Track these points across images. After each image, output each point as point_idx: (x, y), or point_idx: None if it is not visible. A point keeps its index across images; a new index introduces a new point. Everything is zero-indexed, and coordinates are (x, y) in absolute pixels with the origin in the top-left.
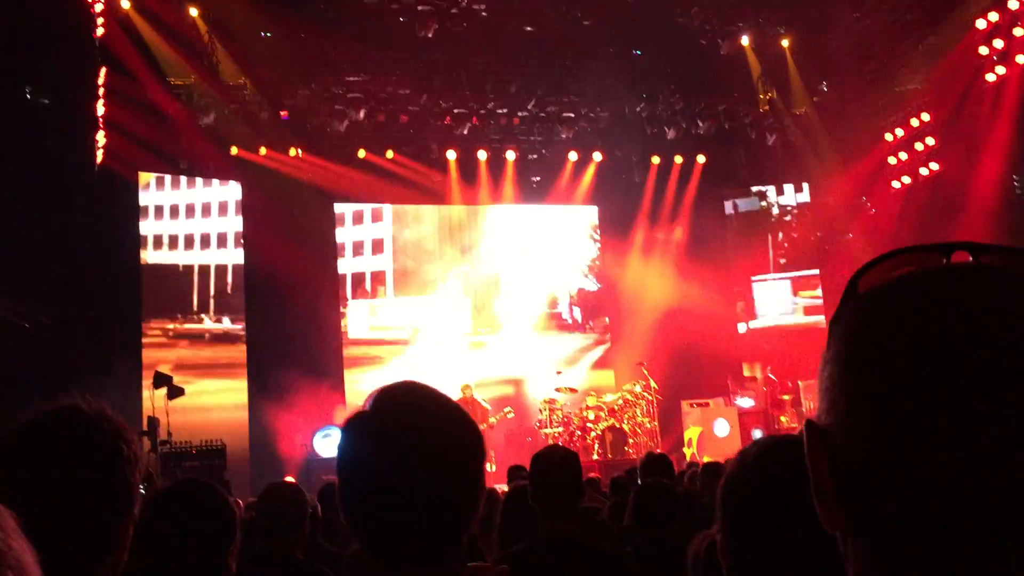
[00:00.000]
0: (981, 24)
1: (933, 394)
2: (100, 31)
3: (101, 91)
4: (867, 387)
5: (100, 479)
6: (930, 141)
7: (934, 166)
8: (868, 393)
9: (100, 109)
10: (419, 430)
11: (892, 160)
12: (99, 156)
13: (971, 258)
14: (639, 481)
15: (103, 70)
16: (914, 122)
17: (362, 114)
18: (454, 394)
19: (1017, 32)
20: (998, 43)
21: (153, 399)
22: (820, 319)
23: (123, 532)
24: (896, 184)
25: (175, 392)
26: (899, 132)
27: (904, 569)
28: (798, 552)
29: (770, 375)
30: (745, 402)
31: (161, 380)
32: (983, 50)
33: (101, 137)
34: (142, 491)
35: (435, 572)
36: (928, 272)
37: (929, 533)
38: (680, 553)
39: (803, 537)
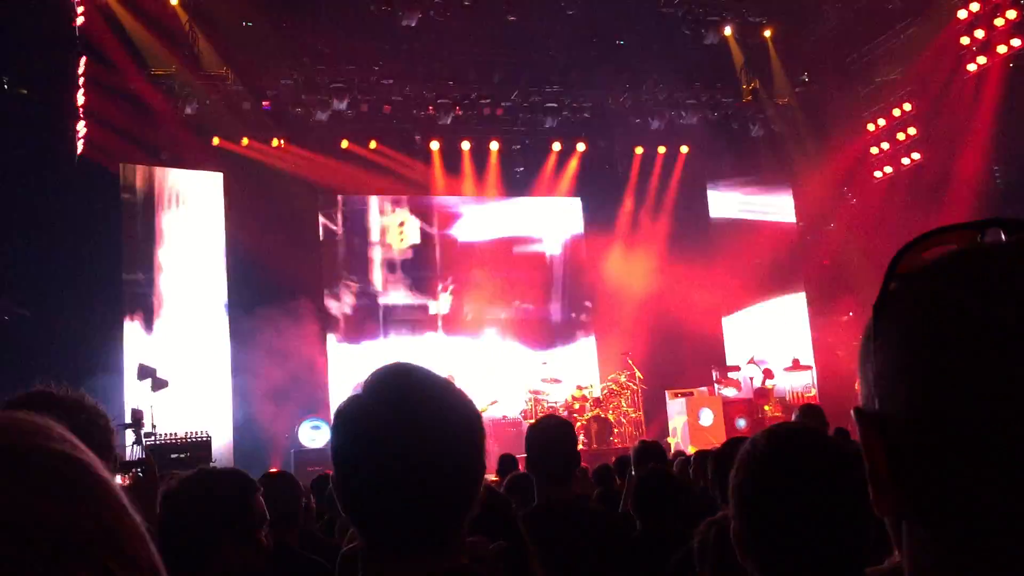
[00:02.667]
0: (962, 14)
1: (1012, 376)
2: (80, 20)
3: (81, 81)
4: (937, 372)
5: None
6: (912, 131)
7: (916, 156)
8: (940, 378)
9: (80, 99)
10: (415, 414)
11: (874, 150)
12: (79, 146)
13: (1004, 235)
14: (633, 470)
15: (83, 60)
16: (896, 112)
17: (345, 104)
18: None
19: (998, 22)
20: (979, 33)
21: (137, 391)
22: (802, 307)
23: None
24: (878, 174)
25: (159, 384)
26: (881, 122)
27: (977, 558)
28: (815, 534)
29: (754, 364)
30: (729, 391)
31: (145, 372)
32: (964, 40)
33: (81, 127)
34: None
35: (437, 560)
36: (978, 250)
37: (1008, 522)
38: (677, 541)
39: (820, 519)
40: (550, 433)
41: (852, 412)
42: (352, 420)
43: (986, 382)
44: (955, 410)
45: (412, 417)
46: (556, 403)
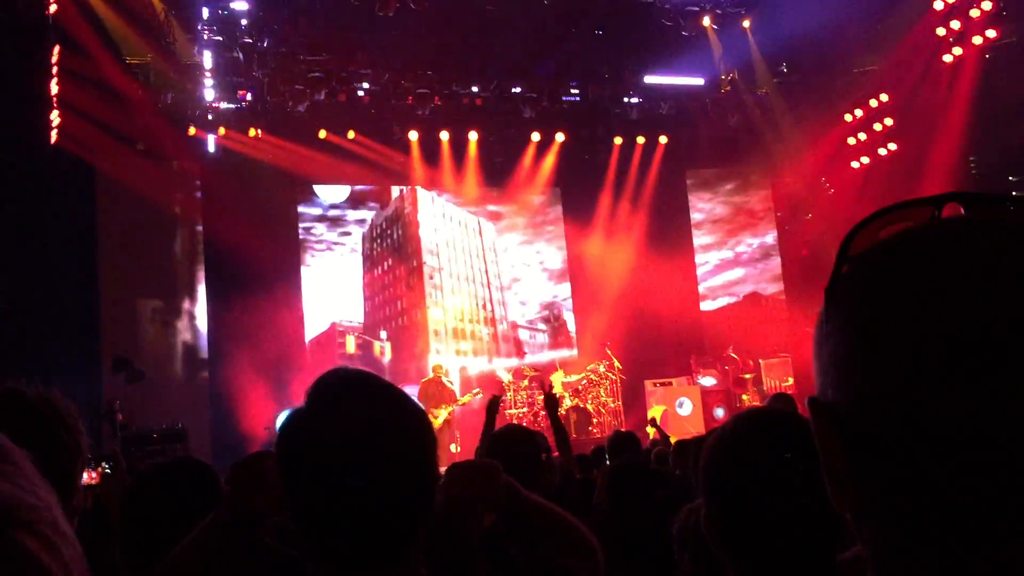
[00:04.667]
0: (939, 5)
1: (970, 361)
2: (53, 8)
3: (54, 70)
4: (889, 358)
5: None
6: (888, 122)
7: (892, 147)
8: (891, 365)
9: (54, 88)
10: (359, 424)
11: (851, 140)
12: (53, 136)
13: (963, 210)
14: (607, 459)
15: (56, 48)
16: (873, 103)
17: (323, 94)
18: (426, 374)
19: (974, 13)
20: (955, 24)
21: (113, 383)
22: (781, 297)
23: None
24: (855, 164)
25: (135, 376)
26: (858, 113)
27: (933, 555)
28: (785, 518)
29: (732, 354)
30: (708, 381)
31: (120, 364)
32: (940, 31)
33: (55, 117)
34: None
35: (391, 574)
36: (933, 228)
37: (971, 517)
38: (654, 531)
39: (790, 503)
40: (508, 440)
41: (806, 402)
42: (294, 435)
43: (938, 370)
44: (906, 400)
45: (355, 430)
46: (536, 393)
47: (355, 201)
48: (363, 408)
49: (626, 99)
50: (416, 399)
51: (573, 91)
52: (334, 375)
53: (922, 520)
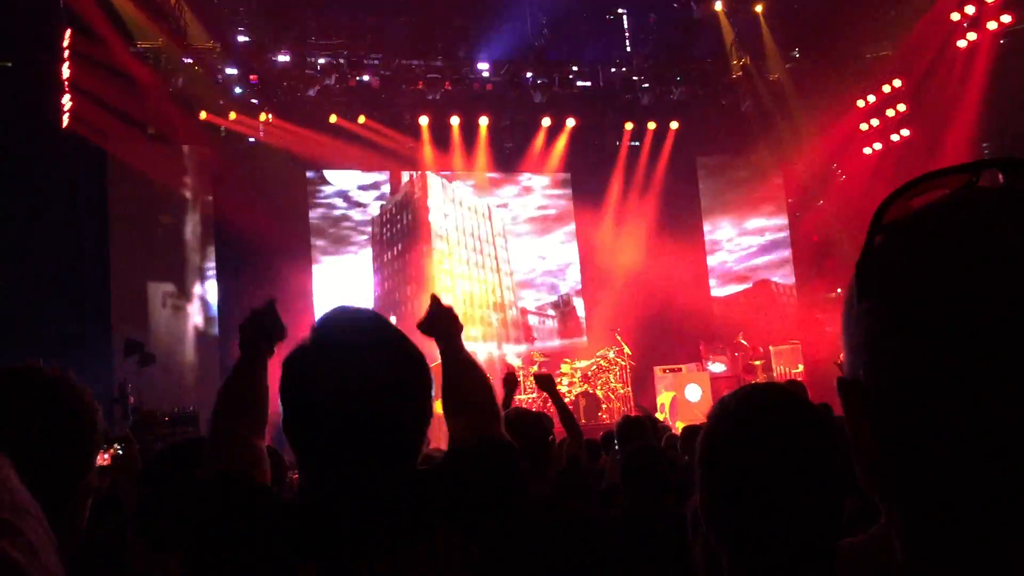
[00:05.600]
0: None
1: (1011, 340)
2: None
3: (66, 54)
4: (930, 336)
5: (48, 441)
6: (901, 108)
7: (905, 132)
8: (932, 343)
9: (65, 72)
10: (359, 358)
11: (864, 127)
12: (64, 120)
13: (1002, 178)
14: (615, 444)
15: (68, 32)
16: (885, 88)
17: (333, 79)
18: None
19: None
20: (969, 9)
21: (124, 367)
22: (791, 284)
23: (73, 498)
24: (868, 151)
25: (147, 359)
26: (871, 98)
27: (966, 540)
28: (781, 505)
29: (742, 341)
30: (717, 367)
31: (132, 347)
32: (954, 16)
33: (67, 101)
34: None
35: (387, 496)
36: (974, 196)
37: (1010, 504)
38: (667, 515)
39: (787, 489)
40: (521, 424)
41: (836, 383)
42: (300, 367)
43: (982, 347)
44: (948, 381)
45: (356, 365)
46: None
47: (365, 186)
48: (363, 342)
49: (637, 84)
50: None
51: (584, 77)
52: (338, 312)
53: (958, 505)
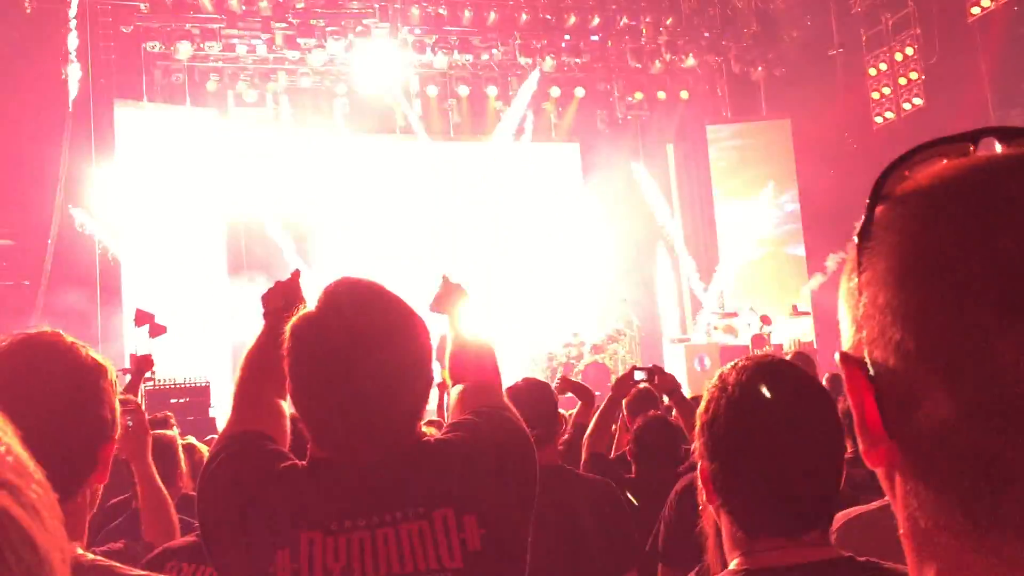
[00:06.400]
0: None
1: (1013, 309)
2: None
3: (74, 24)
4: (934, 306)
5: (64, 407)
6: (914, 76)
7: (918, 101)
8: (936, 313)
9: (73, 41)
10: (361, 326)
11: (875, 95)
12: (73, 87)
13: (999, 145)
14: (625, 416)
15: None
16: (898, 57)
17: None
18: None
19: None
20: None
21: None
22: (801, 254)
23: (89, 465)
24: (879, 119)
25: (157, 330)
26: (883, 67)
27: (969, 516)
28: (786, 470)
29: (752, 310)
30: (727, 339)
31: (143, 318)
32: None
33: (75, 70)
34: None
35: (388, 457)
36: (975, 164)
37: (1016, 479)
38: (671, 485)
39: (792, 453)
40: (528, 394)
41: (836, 356)
42: (305, 334)
43: (982, 317)
44: (954, 352)
45: (359, 330)
46: (553, 350)
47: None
48: (366, 309)
49: (646, 53)
50: (436, 353)
51: (593, 45)
52: (343, 282)
53: (961, 480)
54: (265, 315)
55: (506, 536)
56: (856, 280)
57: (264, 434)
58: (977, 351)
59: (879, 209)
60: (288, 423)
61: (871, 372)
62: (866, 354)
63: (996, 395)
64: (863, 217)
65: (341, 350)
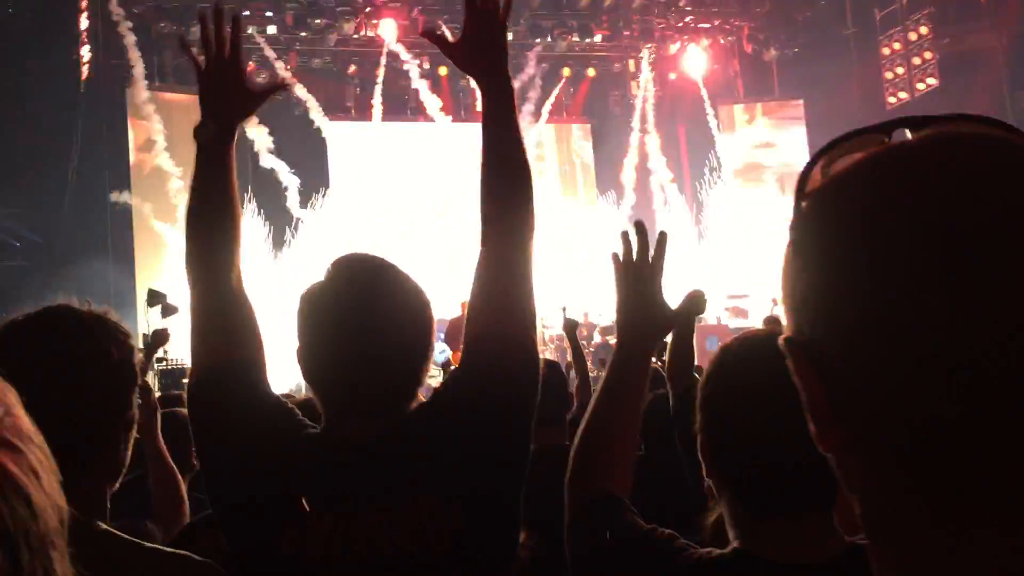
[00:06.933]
0: None
1: (922, 286)
2: None
3: (84, 4)
4: (853, 290)
5: (81, 379)
6: (928, 56)
7: (932, 81)
8: (856, 297)
9: (84, 23)
10: (370, 297)
11: (889, 75)
12: (84, 71)
13: (910, 134)
14: None
15: None
16: (912, 36)
17: (353, 27)
18: (456, 311)
19: None
20: None
21: (149, 316)
22: None
23: (109, 436)
24: (892, 100)
25: (169, 310)
26: (897, 46)
27: (920, 497)
28: (785, 447)
29: (760, 294)
30: (736, 322)
31: (155, 298)
32: None
33: (86, 52)
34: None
35: (388, 420)
36: (888, 153)
37: (959, 453)
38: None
39: (791, 432)
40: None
41: (781, 343)
42: (315, 301)
43: (896, 295)
44: (882, 329)
45: (367, 299)
46: (560, 334)
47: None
48: (375, 285)
49: (660, 33)
50: (444, 337)
51: (606, 25)
52: (355, 256)
53: (908, 459)
54: (202, 147)
55: (493, 517)
56: (791, 267)
57: (246, 366)
58: (910, 309)
59: (804, 204)
60: (251, 307)
61: (815, 355)
62: (808, 337)
63: (935, 352)
64: (792, 210)
65: (349, 317)
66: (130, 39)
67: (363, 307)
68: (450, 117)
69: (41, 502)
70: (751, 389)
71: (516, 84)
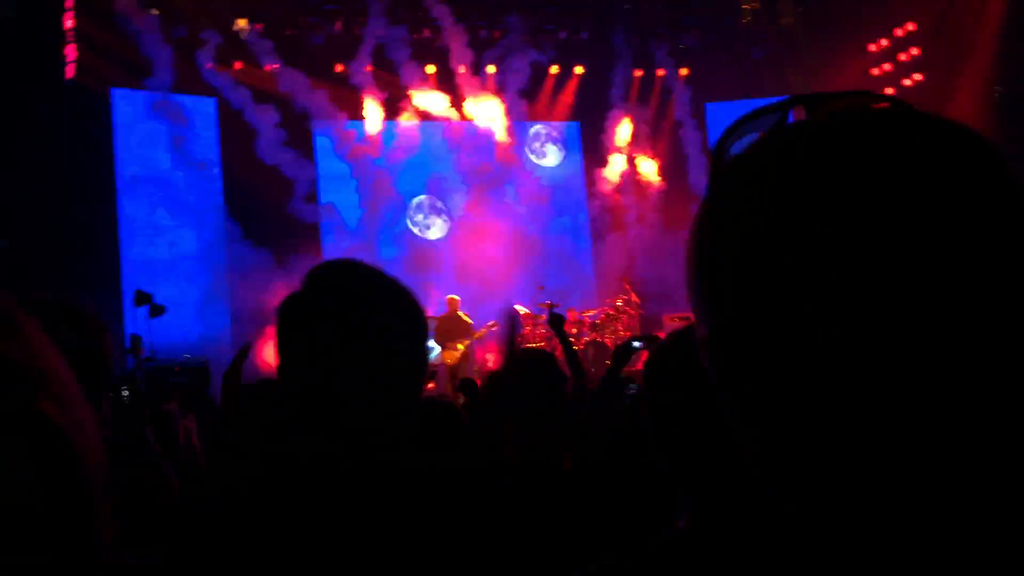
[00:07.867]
0: None
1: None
2: None
3: (69, 3)
4: (746, 280)
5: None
6: (914, 51)
7: (918, 77)
8: (750, 286)
9: (68, 22)
10: (355, 309)
11: (875, 71)
12: (69, 71)
13: (806, 113)
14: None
15: None
16: (898, 32)
17: (339, 27)
18: (443, 309)
19: None
20: None
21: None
22: None
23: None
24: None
25: (156, 310)
26: (883, 42)
27: (819, 490)
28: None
29: None
30: None
31: (142, 298)
32: None
33: (71, 51)
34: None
35: (377, 443)
36: (780, 134)
37: (855, 445)
38: None
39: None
40: (531, 365)
41: (697, 339)
42: (291, 313)
43: (785, 283)
44: (763, 322)
45: (349, 312)
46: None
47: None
48: (359, 287)
49: (646, 31)
50: (432, 334)
51: (593, 23)
52: (336, 263)
53: (805, 450)
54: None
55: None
56: (690, 266)
57: None
58: (790, 319)
59: (713, 188)
60: None
61: (711, 352)
62: (706, 335)
63: (816, 365)
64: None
65: (325, 333)
66: (114, 38)
67: (346, 323)
68: (445, 113)
69: (83, 447)
70: (684, 371)
71: (496, 79)
